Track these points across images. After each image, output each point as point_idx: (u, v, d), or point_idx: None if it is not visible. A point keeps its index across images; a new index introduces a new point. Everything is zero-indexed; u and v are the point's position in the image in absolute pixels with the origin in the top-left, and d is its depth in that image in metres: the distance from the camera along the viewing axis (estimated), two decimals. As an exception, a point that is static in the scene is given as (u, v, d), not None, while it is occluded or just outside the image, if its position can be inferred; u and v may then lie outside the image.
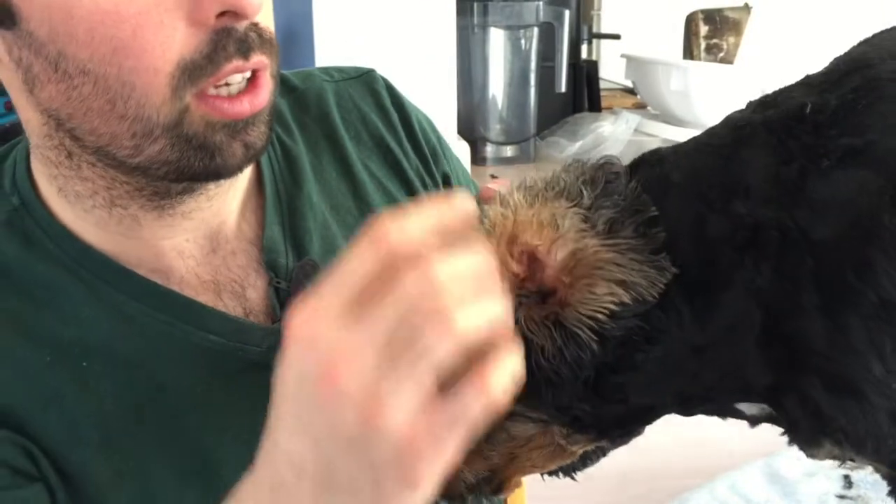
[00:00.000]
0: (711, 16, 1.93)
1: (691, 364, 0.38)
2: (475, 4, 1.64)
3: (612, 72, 2.08)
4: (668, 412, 0.42)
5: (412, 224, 0.36)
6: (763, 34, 1.62)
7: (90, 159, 0.52)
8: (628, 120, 1.65)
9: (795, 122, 0.37)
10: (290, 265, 0.61)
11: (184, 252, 0.58)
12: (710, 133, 0.42)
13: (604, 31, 2.16)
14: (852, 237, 0.33)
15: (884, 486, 0.42)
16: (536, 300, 0.41)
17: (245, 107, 0.51)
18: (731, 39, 1.89)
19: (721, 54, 1.92)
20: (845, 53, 0.43)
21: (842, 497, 1.01)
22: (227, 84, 0.50)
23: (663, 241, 0.39)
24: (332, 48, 1.41)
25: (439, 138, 0.76)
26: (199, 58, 0.48)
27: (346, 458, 0.36)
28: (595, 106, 1.92)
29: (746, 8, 1.91)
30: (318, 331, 0.36)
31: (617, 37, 2.01)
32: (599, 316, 0.38)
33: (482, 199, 0.45)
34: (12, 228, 0.56)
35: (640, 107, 1.96)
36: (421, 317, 0.35)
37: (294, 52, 1.37)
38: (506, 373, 0.36)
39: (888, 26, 0.45)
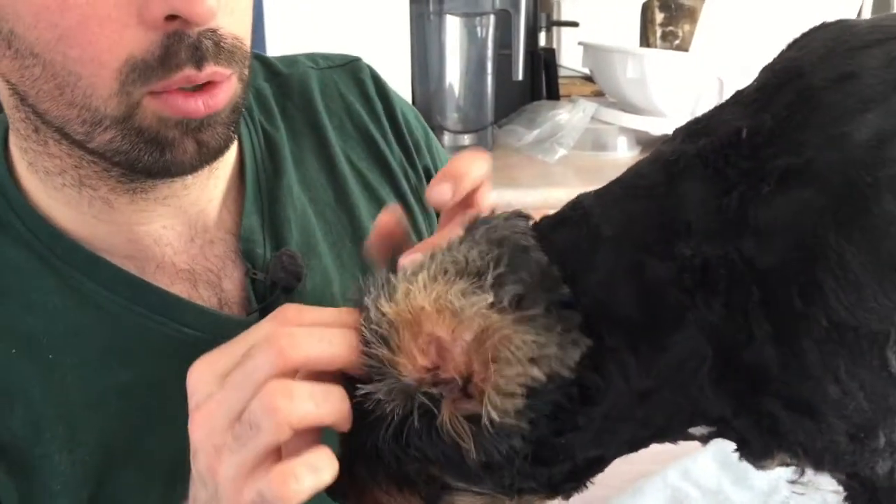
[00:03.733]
0: (667, 3, 1.93)
1: (639, 411, 0.37)
2: (431, -9, 1.62)
3: (570, 59, 2.08)
4: (620, 456, 0.41)
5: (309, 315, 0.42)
6: (718, 21, 1.63)
7: (55, 136, 0.50)
8: (585, 108, 1.65)
9: (732, 150, 0.35)
10: (268, 256, 0.60)
11: (161, 239, 0.56)
12: (638, 173, 0.39)
13: (562, 18, 2.15)
14: (797, 261, 0.32)
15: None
16: (458, 391, 0.38)
17: (199, 106, 0.48)
18: (687, 27, 1.90)
19: (677, 42, 1.93)
20: (774, 62, 0.40)
21: (793, 483, 1.02)
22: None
23: (579, 322, 0.37)
24: (283, 34, 1.38)
25: (426, 131, 0.75)
26: (151, 59, 0.46)
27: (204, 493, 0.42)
28: (553, 94, 1.92)
29: (702, -5, 1.92)
30: (199, 381, 0.43)
31: (575, 24, 2.00)
32: (517, 400, 0.37)
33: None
34: None
35: (599, 95, 1.96)
36: (258, 401, 0.40)
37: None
38: (307, 477, 0.39)
39: (816, 24, 0.42)
